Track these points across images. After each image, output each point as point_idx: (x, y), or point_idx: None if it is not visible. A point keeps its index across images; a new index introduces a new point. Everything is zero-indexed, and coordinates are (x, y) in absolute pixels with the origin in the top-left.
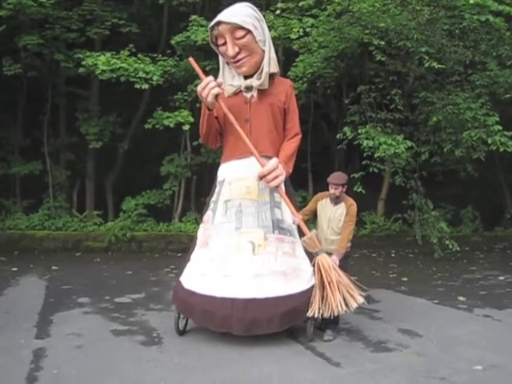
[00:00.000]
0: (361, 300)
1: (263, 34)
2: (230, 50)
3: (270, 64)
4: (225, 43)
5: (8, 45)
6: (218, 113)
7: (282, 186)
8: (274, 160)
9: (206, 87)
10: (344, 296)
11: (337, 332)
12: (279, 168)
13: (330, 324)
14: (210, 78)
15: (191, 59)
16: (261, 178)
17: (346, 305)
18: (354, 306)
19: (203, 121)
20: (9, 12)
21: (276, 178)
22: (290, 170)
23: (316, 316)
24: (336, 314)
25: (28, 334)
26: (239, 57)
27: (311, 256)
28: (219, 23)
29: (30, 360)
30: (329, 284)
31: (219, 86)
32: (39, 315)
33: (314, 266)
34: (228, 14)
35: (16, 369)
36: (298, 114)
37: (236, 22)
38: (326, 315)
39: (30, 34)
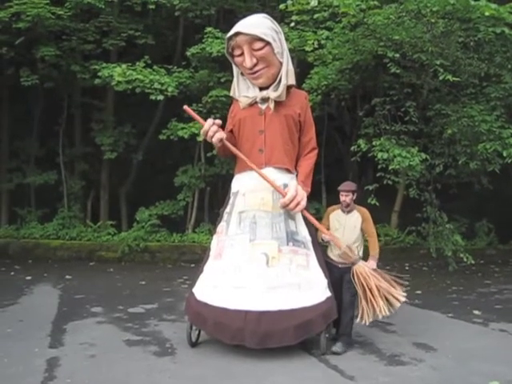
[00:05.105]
0: (403, 298)
1: (281, 46)
2: (248, 61)
3: (288, 76)
4: (241, 54)
5: (26, 56)
6: (232, 126)
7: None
8: (293, 187)
9: (209, 132)
10: (387, 298)
11: (347, 345)
12: (299, 194)
13: (342, 336)
14: (210, 121)
15: (186, 107)
16: (284, 207)
17: (391, 305)
18: (398, 305)
19: (217, 150)
20: (27, 24)
21: (298, 204)
22: (309, 189)
23: (366, 323)
24: (380, 317)
25: (42, 342)
26: (256, 68)
27: (327, 268)
28: (237, 34)
29: (44, 369)
30: (370, 290)
31: (218, 125)
32: (53, 324)
33: (352, 276)
34: (247, 25)
35: (30, 377)
36: (314, 128)
37: (256, 33)
38: (370, 320)
39: (47, 46)
